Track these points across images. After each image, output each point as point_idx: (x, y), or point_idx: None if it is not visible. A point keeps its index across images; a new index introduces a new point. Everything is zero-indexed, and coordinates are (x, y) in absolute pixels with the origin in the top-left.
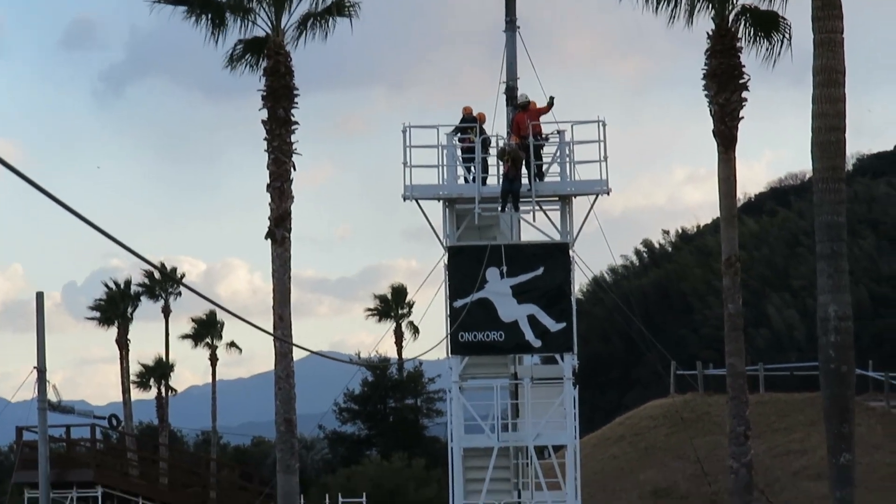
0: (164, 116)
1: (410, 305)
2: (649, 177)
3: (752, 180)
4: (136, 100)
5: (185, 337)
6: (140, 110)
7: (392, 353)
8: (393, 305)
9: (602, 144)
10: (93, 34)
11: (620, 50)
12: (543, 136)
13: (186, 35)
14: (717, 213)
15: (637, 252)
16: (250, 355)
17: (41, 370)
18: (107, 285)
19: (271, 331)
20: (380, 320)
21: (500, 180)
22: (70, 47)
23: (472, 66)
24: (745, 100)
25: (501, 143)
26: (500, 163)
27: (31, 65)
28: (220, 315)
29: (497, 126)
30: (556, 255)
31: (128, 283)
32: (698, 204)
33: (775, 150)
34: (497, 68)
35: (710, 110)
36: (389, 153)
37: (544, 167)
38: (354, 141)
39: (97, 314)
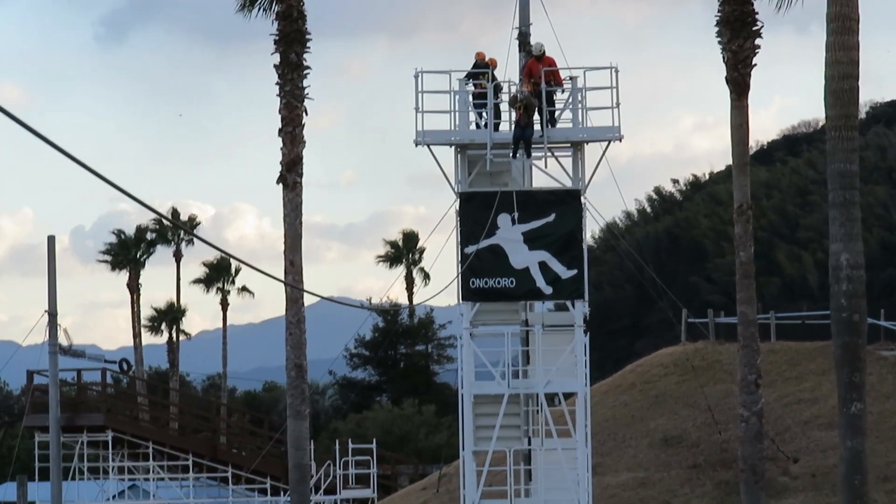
0: (166, 61)
1: (421, 252)
2: (654, 124)
3: (760, 128)
4: (137, 44)
5: (197, 282)
6: (142, 54)
7: (403, 299)
8: (404, 251)
9: (615, 91)
10: None
11: None
12: (562, 83)
13: None
14: (724, 161)
15: (649, 199)
16: (261, 300)
17: (52, 314)
18: (121, 232)
19: (282, 277)
20: (391, 266)
21: (512, 127)
22: None
23: (476, 10)
24: (759, 47)
25: (514, 90)
26: (512, 110)
27: (32, 9)
28: (233, 260)
29: (509, 72)
30: (568, 202)
31: (141, 229)
32: (705, 152)
33: (784, 97)
34: (500, 14)
35: (723, 57)
36: (394, 99)
37: (556, 114)
38: (358, 87)
39: (108, 258)
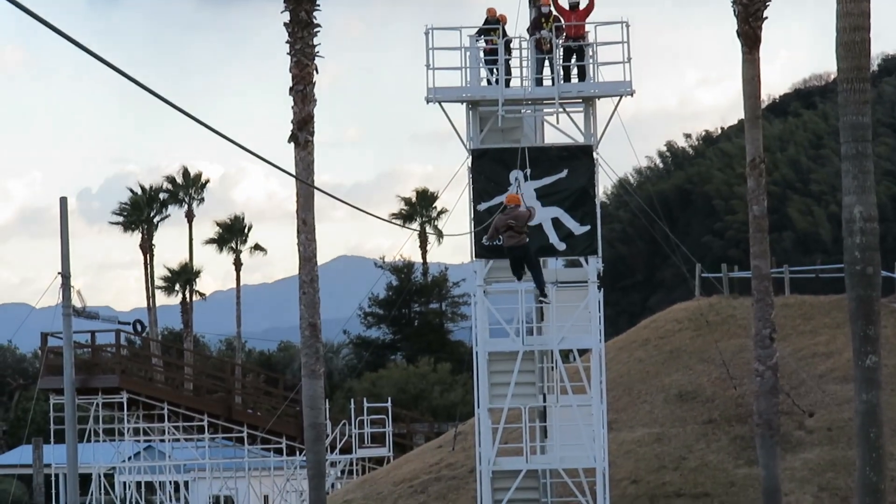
0: (160, 22)
1: (434, 208)
2: (657, 79)
3: (766, 82)
4: (132, 5)
5: (210, 242)
6: (137, 16)
7: (416, 257)
8: (418, 209)
9: (626, 45)
10: None
11: None
12: (584, 36)
13: None
14: (729, 116)
15: (661, 154)
16: (273, 260)
17: (66, 276)
18: (132, 190)
19: (295, 237)
20: (405, 224)
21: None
22: None
23: None
24: None
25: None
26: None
27: None
28: (246, 218)
29: (519, 28)
30: (580, 158)
31: (154, 189)
32: (710, 107)
33: (790, 51)
34: None
35: (734, 10)
36: (396, 56)
37: (564, 68)
38: (358, 44)
39: (121, 219)
